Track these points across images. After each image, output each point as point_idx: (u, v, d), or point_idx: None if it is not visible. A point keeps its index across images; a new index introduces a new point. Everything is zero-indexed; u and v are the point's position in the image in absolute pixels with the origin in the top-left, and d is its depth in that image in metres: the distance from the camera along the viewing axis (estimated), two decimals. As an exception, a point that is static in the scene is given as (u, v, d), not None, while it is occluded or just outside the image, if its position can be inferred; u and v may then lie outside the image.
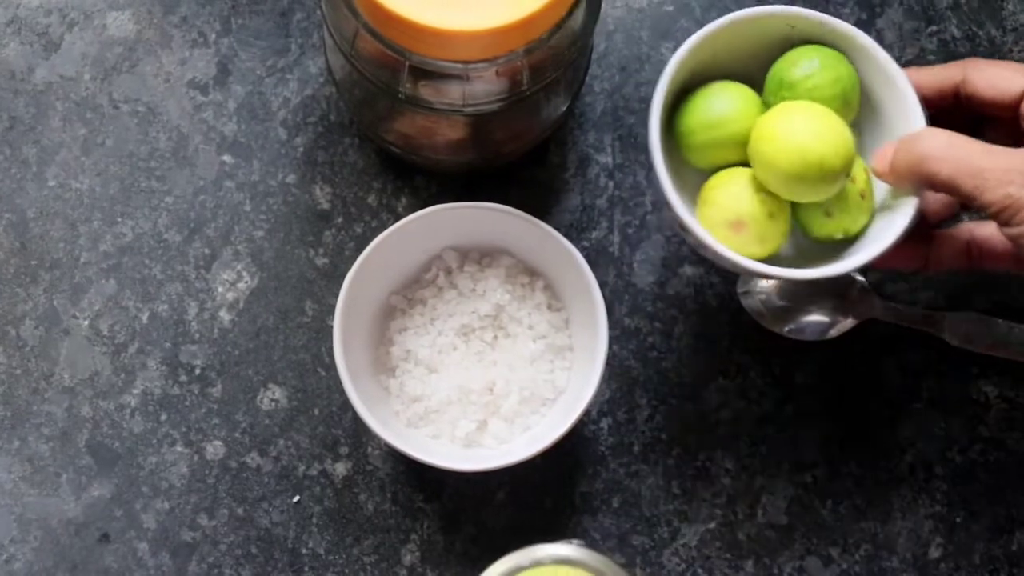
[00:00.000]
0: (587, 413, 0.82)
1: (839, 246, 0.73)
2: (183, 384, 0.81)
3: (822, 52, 0.72)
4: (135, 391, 0.81)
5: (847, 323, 0.82)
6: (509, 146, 0.81)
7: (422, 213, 0.78)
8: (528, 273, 0.81)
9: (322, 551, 0.80)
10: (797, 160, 0.68)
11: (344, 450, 0.81)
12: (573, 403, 0.77)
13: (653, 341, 0.83)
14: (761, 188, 0.71)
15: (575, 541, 0.69)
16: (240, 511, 0.80)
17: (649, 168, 0.78)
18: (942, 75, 0.73)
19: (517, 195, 0.84)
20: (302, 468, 0.81)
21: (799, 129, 0.69)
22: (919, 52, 0.87)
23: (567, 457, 0.81)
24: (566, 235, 0.81)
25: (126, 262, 0.83)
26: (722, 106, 0.72)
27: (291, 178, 0.84)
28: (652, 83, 0.86)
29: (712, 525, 0.81)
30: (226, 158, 0.84)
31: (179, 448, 0.81)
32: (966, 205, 0.70)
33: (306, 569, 0.80)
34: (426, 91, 0.72)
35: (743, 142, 0.72)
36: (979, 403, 0.82)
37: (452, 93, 0.72)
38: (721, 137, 0.72)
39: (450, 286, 0.81)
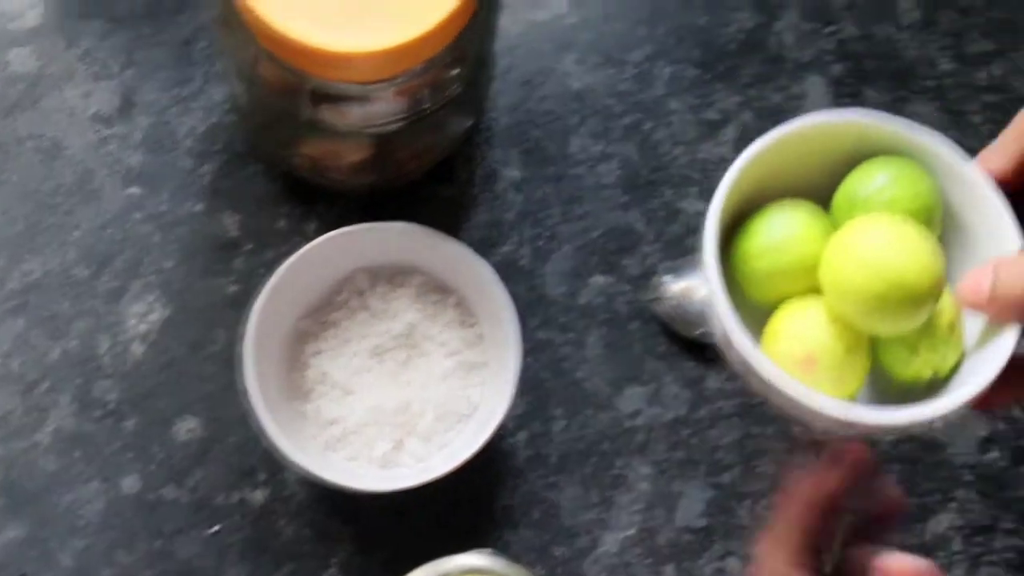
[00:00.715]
0: (503, 427, 0.82)
1: (924, 387, 0.61)
2: (96, 419, 0.81)
3: (899, 163, 0.61)
4: (47, 428, 0.81)
5: (757, 325, 0.83)
6: (414, 164, 0.81)
7: (329, 236, 0.78)
8: (439, 291, 0.81)
9: (243, 579, 0.80)
10: (876, 280, 0.57)
11: (261, 477, 0.81)
12: (488, 418, 0.77)
13: (566, 352, 0.84)
14: (836, 319, 0.59)
15: (486, 551, 0.69)
16: (158, 544, 0.80)
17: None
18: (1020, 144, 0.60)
19: (426, 213, 0.84)
20: (219, 498, 0.80)
21: (878, 244, 0.57)
22: (818, 53, 0.88)
23: (485, 472, 0.82)
24: (476, 251, 0.81)
25: (34, 300, 0.82)
26: (785, 227, 0.60)
27: (199, 207, 0.84)
28: (556, 96, 0.87)
29: (632, 532, 0.81)
30: (133, 190, 0.84)
31: (94, 484, 0.80)
32: None
33: (228, 598, 0.80)
34: (328, 114, 0.72)
35: (812, 268, 0.60)
36: (890, 398, 0.83)
37: (353, 115, 0.72)
38: (786, 263, 0.60)
39: (362, 307, 0.81)
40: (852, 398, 0.59)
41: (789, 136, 0.59)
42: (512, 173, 0.86)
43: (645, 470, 0.82)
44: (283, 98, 0.72)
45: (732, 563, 0.81)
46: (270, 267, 0.82)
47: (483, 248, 0.84)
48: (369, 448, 0.79)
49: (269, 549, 0.80)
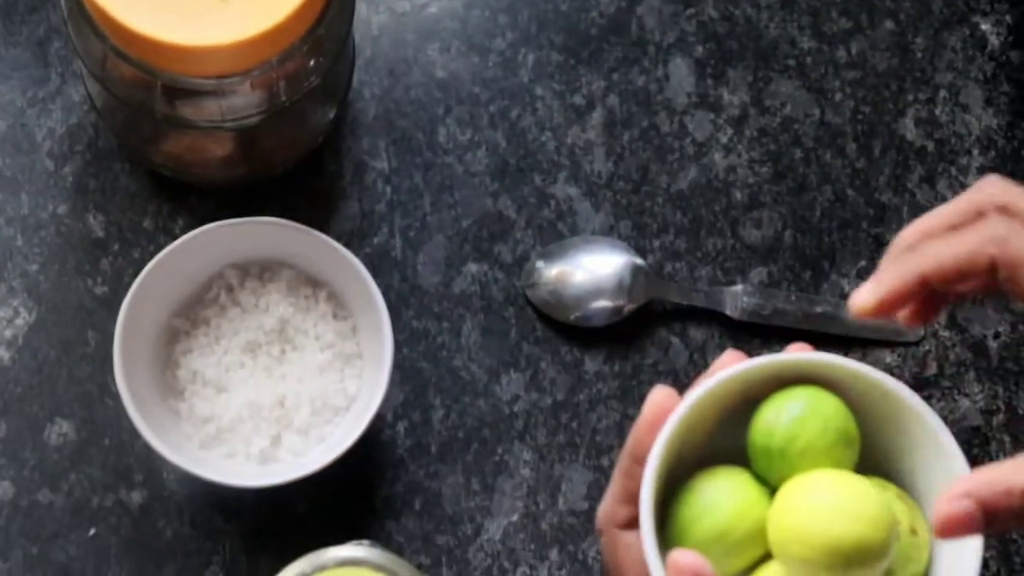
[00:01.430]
0: (382, 418, 0.82)
1: None
2: (-35, 427, 0.80)
3: (798, 396, 0.59)
4: (-85, 438, 0.79)
5: (632, 306, 0.83)
6: (280, 157, 0.81)
7: (196, 233, 0.77)
8: (311, 284, 0.81)
9: (122, 582, 0.79)
10: (830, 552, 0.55)
11: (139, 478, 0.80)
12: (364, 410, 0.77)
13: (442, 341, 0.84)
14: None
15: (364, 542, 0.69)
16: (35, 550, 0.78)
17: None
18: (968, 245, 0.57)
19: (295, 206, 0.84)
20: (96, 500, 0.80)
21: (820, 516, 0.55)
22: (680, 35, 0.89)
23: (365, 463, 0.81)
24: (347, 243, 0.81)
25: None
26: (721, 508, 0.58)
27: (62, 208, 0.83)
28: (421, 86, 0.87)
29: (515, 518, 0.82)
30: (-6, 194, 0.83)
31: (-35, 492, 0.79)
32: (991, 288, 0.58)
33: (107, 602, 0.79)
34: (184, 109, 0.72)
35: (760, 536, 0.58)
36: (764, 373, 0.84)
37: (210, 109, 0.71)
38: (735, 543, 0.58)
39: (233, 303, 0.80)
40: None
41: (694, 404, 0.58)
42: (381, 164, 0.86)
43: (526, 455, 0.83)
44: (137, 95, 0.71)
45: (614, 543, 0.81)
46: (138, 267, 0.81)
47: (355, 240, 0.84)
48: (246, 444, 0.78)
49: (150, 549, 0.79)
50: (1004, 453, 0.83)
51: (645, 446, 0.57)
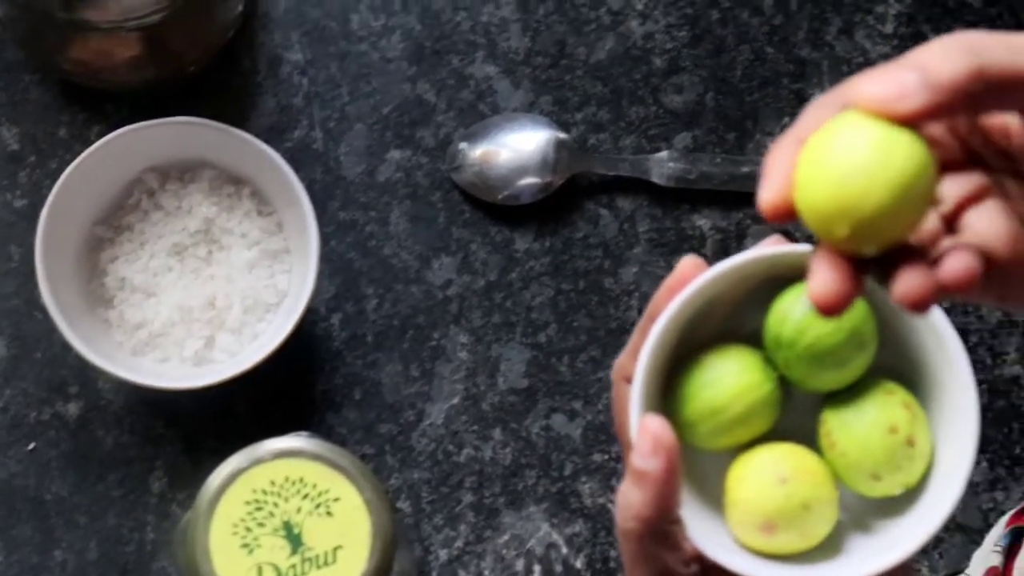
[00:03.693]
0: (315, 312, 0.82)
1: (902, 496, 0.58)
2: None
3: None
4: None
5: (558, 180, 0.83)
6: (190, 56, 0.80)
7: (110, 137, 0.76)
8: (233, 182, 0.80)
9: (66, 494, 0.79)
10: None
11: (74, 390, 0.80)
12: (295, 305, 0.77)
13: (371, 230, 0.83)
14: (789, 477, 0.56)
15: (303, 433, 0.69)
16: (-26, 468, 0.78)
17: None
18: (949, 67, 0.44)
19: (212, 105, 0.83)
20: (33, 415, 0.79)
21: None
22: None
23: (303, 358, 0.81)
24: (267, 139, 0.80)
25: None
26: (722, 385, 0.57)
27: (-26, 124, 0.82)
28: (329, -27, 0.85)
29: (456, 401, 0.82)
30: (-96, 114, 0.82)
31: (-103, 416, 0.79)
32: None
33: (52, 515, 0.78)
34: (85, 12, 0.70)
35: (754, 418, 0.57)
36: (695, 237, 0.84)
37: (110, 9, 0.70)
38: (727, 421, 0.57)
39: (155, 207, 0.80)
40: (830, 535, 0.57)
41: (697, 292, 0.56)
42: (295, 56, 0.84)
43: (463, 338, 0.82)
44: (37, 1, 0.70)
45: (557, 419, 0.82)
46: (55, 177, 0.80)
47: (274, 135, 0.83)
48: (180, 348, 0.78)
49: (92, 459, 0.79)
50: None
51: (661, 308, 0.56)
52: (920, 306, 0.46)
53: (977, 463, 0.81)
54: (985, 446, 0.82)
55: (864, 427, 0.55)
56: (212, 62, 0.82)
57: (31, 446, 0.79)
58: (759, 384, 0.57)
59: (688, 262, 0.56)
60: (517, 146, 0.84)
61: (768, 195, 0.47)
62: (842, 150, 0.45)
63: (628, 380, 0.56)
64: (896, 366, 0.58)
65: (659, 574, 0.53)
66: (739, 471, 0.57)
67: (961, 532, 0.81)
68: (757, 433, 0.57)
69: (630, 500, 0.51)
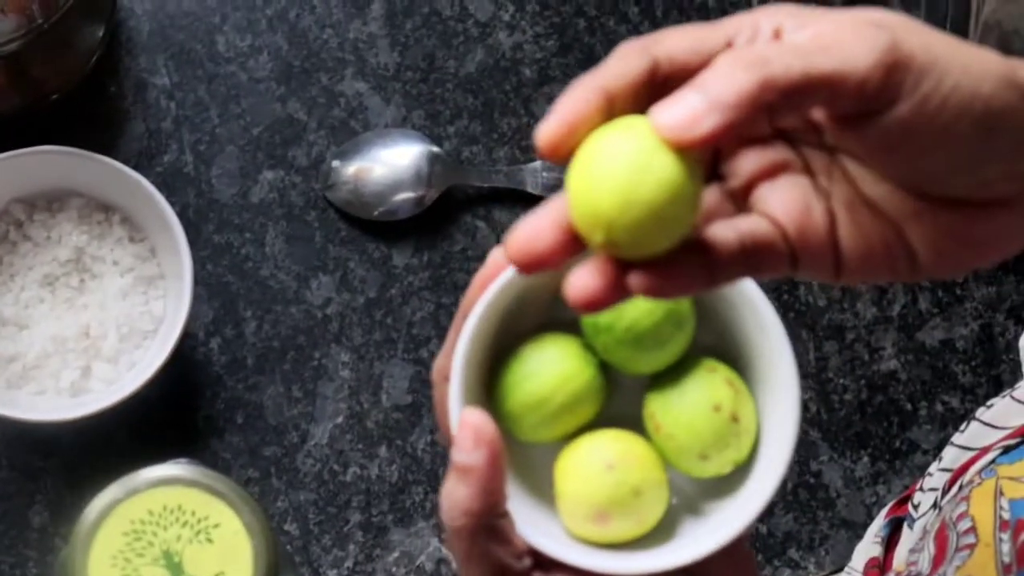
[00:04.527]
0: (193, 336, 0.81)
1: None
2: None
3: None
4: None
5: (433, 194, 0.83)
6: (53, 83, 0.79)
7: (-27, 170, 0.75)
8: (103, 210, 0.79)
9: (-56, 534, 0.77)
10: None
11: (-52, 427, 0.78)
12: (171, 330, 0.76)
13: (247, 252, 0.82)
14: (616, 464, 0.55)
15: (181, 460, 0.68)
16: None
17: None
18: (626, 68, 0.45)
19: (79, 133, 0.82)
20: (-95, 455, 0.78)
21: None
22: None
23: (182, 384, 0.80)
24: (137, 164, 0.79)
25: None
26: (543, 375, 0.56)
27: None
28: (194, -5, 0.85)
29: (340, 420, 0.81)
30: None
31: None
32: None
33: (-70, 555, 0.77)
34: (-59, 43, 0.69)
35: (578, 407, 0.56)
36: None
37: (-33, 40, 0.69)
38: (552, 411, 0.56)
39: (23, 239, 0.78)
40: (666, 514, 0.56)
41: (507, 286, 0.54)
42: (162, 80, 0.84)
43: (344, 357, 0.82)
44: None
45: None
46: (-80, 212, 0.79)
47: (144, 160, 0.82)
48: (55, 379, 0.77)
49: (-32, 499, 0.78)
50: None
51: (475, 302, 0.56)
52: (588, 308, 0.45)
53: (859, 458, 0.82)
54: (866, 441, 0.83)
55: (687, 407, 0.55)
56: (77, 89, 0.81)
57: (-95, 487, 0.78)
58: (580, 371, 0.56)
59: (498, 254, 0.54)
60: (391, 161, 0.84)
61: (545, 131, 0.44)
62: (604, 162, 0.44)
63: (448, 379, 0.55)
64: (718, 344, 0.57)
65: (492, 569, 0.52)
66: (566, 462, 0.56)
67: (846, 527, 0.82)
68: (584, 422, 0.57)
69: (456, 497, 0.50)
